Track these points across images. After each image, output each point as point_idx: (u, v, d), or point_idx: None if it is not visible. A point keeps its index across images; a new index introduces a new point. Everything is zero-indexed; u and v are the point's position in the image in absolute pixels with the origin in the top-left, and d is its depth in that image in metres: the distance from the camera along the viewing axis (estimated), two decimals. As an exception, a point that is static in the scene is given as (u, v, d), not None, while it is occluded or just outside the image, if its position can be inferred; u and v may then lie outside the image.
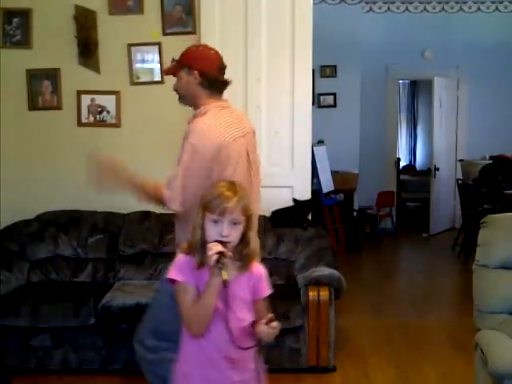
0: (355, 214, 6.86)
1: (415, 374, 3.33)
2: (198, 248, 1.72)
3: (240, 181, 1.99)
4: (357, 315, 4.32)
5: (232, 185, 1.75)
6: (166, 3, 3.93)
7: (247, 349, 1.73)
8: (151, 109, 4.03)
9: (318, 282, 3.28)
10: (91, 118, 4.03)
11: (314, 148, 5.32)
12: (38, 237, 3.78)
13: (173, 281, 1.76)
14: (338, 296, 3.35)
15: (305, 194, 3.93)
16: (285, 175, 3.84)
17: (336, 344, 3.38)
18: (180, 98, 2.40)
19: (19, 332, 3.26)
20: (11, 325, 3.24)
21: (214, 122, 2.23)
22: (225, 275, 1.63)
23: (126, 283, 3.60)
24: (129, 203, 3.93)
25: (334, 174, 6.42)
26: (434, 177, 7.47)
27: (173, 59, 2.48)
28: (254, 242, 1.77)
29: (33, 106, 4.02)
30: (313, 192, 4.12)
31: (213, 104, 2.30)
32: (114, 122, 4.02)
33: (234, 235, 1.70)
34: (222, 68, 2.38)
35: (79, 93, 4.00)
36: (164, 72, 2.60)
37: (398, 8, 7.57)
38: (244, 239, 1.73)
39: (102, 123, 4.03)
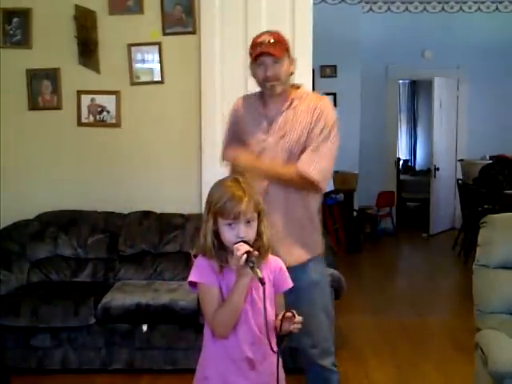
0: (355, 213, 6.86)
1: (415, 374, 3.33)
2: (214, 252, 1.69)
3: None
4: (357, 315, 4.32)
5: (237, 183, 1.71)
6: (166, 3, 3.93)
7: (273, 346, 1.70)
8: (151, 109, 4.04)
9: (318, 282, 3.27)
10: (91, 118, 4.03)
11: (314, 148, 5.31)
12: (38, 237, 3.78)
13: (194, 284, 1.74)
14: (338, 296, 3.34)
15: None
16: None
17: (336, 344, 3.37)
18: (277, 85, 2.23)
19: (19, 332, 3.26)
20: (11, 325, 3.24)
21: None
22: (259, 273, 1.60)
23: (126, 283, 3.60)
24: (128, 203, 3.97)
25: (334, 174, 6.40)
26: (434, 177, 7.47)
27: (270, 41, 2.20)
28: (268, 233, 1.74)
29: (33, 105, 4.02)
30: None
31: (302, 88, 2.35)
32: (113, 121, 4.02)
33: (250, 234, 1.67)
34: None
35: (79, 93, 4.00)
36: (273, 53, 2.18)
37: (398, 8, 7.57)
38: (259, 233, 1.71)
39: (102, 123, 4.02)
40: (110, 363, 3.30)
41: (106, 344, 3.28)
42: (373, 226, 7.32)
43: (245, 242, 1.65)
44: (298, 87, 2.33)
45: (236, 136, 2.38)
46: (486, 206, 5.70)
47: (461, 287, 5.18)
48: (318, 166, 2.19)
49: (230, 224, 1.66)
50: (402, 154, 10.37)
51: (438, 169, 7.45)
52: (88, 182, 4.05)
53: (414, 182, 9.12)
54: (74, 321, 3.24)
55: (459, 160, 7.49)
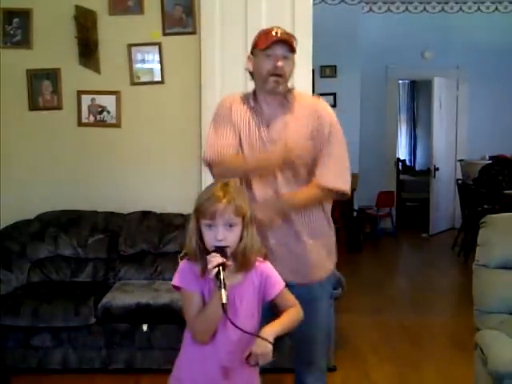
0: (355, 213, 6.87)
1: (415, 374, 3.33)
2: (198, 255, 1.66)
3: None
4: (357, 315, 4.32)
5: (225, 185, 1.68)
6: (166, 3, 3.93)
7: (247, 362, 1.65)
8: (151, 109, 4.04)
9: (318, 282, 3.28)
10: (91, 118, 4.03)
11: (314, 148, 5.31)
12: (39, 237, 3.78)
13: (177, 288, 1.73)
14: (338, 296, 3.35)
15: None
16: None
17: (336, 344, 3.38)
18: (281, 82, 2.10)
19: (19, 332, 3.26)
20: (11, 324, 3.24)
21: None
22: (224, 298, 1.54)
23: (126, 283, 3.60)
24: (129, 203, 3.97)
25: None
26: (434, 177, 7.47)
27: (287, 35, 2.11)
28: (255, 239, 1.70)
29: (33, 106, 4.02)
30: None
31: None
32: (114, 122, 4.02)
33: (230, 238, 1.63)
34: None
35: (79, 93, 4.00)
36: (290, 41, 2.09)
37: (397, 8, 7.57)
38: (242, 240, 1.66)
39: (102, 123, 4.03)
40: (110, 363, 3.30)
41: (106, 344, 3.28)
42: (373, 226, 7.33)
43: (222, 250, 1.61)
44: (289, 90, 2.19)
45: (232, 134, 2.14)
46: (485, 206, 5.72)
47: (460, 287, 5.19)
48: (341, 173, 2.13)
49: (209, 225, 1.63)
50: (402, 154, 10.38)
51: (437, 169, 7.46)
52: (88, 182, 4.05)
53: (413, 182, 9.13)
54: (75, 321, 3.24)
55: (459, 160, 7.49)
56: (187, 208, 4.00)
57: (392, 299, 4.90)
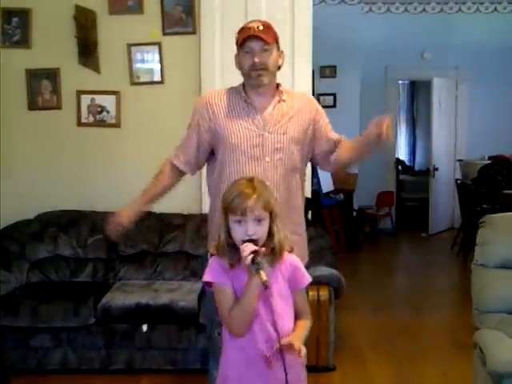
0: (355, 213, 6.87)
1: (415, 374, 3.33)
2: (226, 249, 1.72)
3: None
4: (357, 315, 4.32)
5: (250, 181, 1.74)
6: (166, 3, 3.93)
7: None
8: (151, 109, 4.04)
9: (317, 282, 3.27)
10: (91, 118, 4.03)
11: (314, 148, 5.31)
12: (38, 237, 3.78)
13: (209, 283, 1.76)
14: (338, 296, 3.35)
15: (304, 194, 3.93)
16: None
17: (336, 344, 3.39)
18: (264, 75, 2.11)
19: (19, 332, 3.26)
20: (11, 325, 3.24)
21: None
22: (264, 277, 1.61)
23: (126, 283, 3.60)
24: (128, 203, 3.96)
25: (334, 173, 6.41)
26: (433, 177, 7.48)
27: (259, 27, 2.10)
28: (282, 232, 1.75)
29: (32, 105, 4.02)
30: (313, 192, 4.13)
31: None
32: (113, 122, 4.02)
33: (260, 232, 1.69)
34: None
35: (79, 93, 4.00)
36: (263, 37, 2.07)
37: (397, 9, 7.57)
38: (271, 233, 1.72)
39: (101, 123, 4.03)
40: (110, 363, 3.30)
41: (106, 344, 3.28)
42: (372, 226, 7.33)
43: (252, 240, 1.66)
44: (278, 84, 2.23)
45: (202, 139, 2.21)
46: (484, 206, 5.72)
47: (459, 286, 5.19)
48: None
49: (239, 221, 1.68)
50: (402, 154, 10.38)
51: (437, 169, 7.46)
52: (88, 182, 4.05)
53: (413, 182, 9.14)
54: (74, 321, 3.24)
55: (458, 160, 7.50)
56: (187, 208, 4.02)
57: (391, 298, 4.91)
